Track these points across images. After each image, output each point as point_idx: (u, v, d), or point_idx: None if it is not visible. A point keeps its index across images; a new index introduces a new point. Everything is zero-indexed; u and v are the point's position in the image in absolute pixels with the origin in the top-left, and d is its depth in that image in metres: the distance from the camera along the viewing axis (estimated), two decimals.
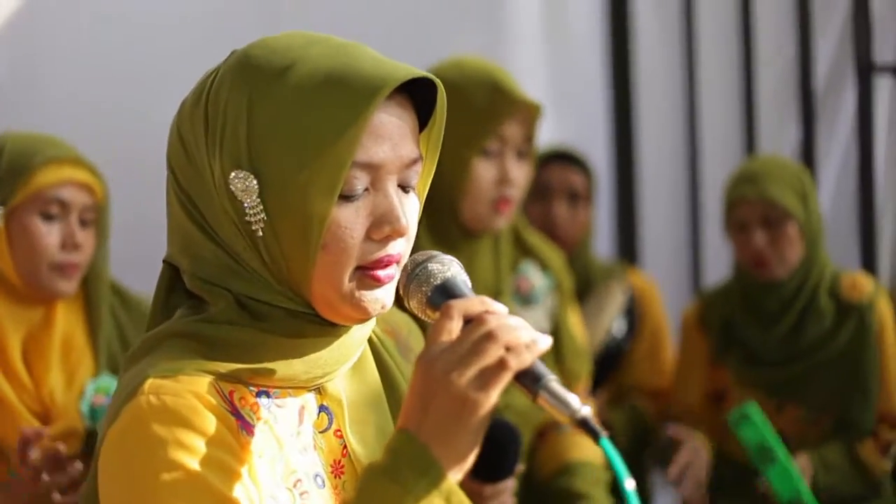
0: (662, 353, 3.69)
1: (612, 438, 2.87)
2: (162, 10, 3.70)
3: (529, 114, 2.71)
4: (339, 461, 1.47)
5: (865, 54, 3.88)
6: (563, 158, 3.66)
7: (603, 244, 4.32)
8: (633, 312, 3.62)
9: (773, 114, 4.23)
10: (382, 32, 3.93)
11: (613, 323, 3.47)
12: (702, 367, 3.40)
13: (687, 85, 4.45)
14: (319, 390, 1.47)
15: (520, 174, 2.72)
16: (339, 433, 1.48)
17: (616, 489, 2.90)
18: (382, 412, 1.53)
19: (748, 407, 2.96)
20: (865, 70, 3.87)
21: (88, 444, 2.42)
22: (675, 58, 4.50)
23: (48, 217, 2.38)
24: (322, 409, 1.47)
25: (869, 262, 3.93)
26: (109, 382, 2.43)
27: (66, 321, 2.45)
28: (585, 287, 3.45)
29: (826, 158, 4.14)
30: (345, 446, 1.48)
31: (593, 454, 2.82)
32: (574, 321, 2.88)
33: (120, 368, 1.50)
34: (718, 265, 4.25)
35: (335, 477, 1.47)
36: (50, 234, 2.38)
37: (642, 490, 3.70)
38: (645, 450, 3.57)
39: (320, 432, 1.47)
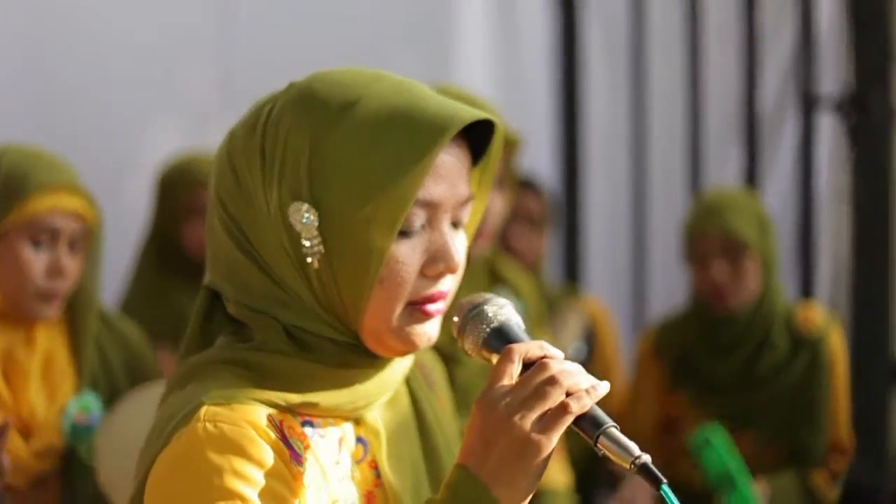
0: (614, 378, 3.73)
1: (570, 463, 2.92)
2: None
3: (508, 146, 2.73)
4: (372, 492, 1.48)
5: (809, 87, 3.98)
6: (522, 184, 3.70)
7: (547, 269, 4.37)
8: (591, 337, 3.67)
9: (718, 143, 4.32)
10: (331, 55, 3.95)
11: (570, 347, 3.52)
12: (656, 395, 3.44)
13: (634, 114, 4.52)
14: (357, 421, 1.49)
15: (497, 204, 2.74)
16: (372, 464, 1.49)
17: None
18: (414, 443, 1.55)
19: (711, 432, 3.00)
20: (808, 102, 3.97)
21: (66, 461, 2.41)
22: (622, 87, 4.57)
23: (37, 243, 2.36)
24: (358, 440, 1.49)
25: (807, 290, 4.03)
26: (91, 401, 2.41)
27: (48, 338, 2.44)
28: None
29: (769, 187, 4.23)
30: (377, 476, 1.49)
31: (559, 481, 2.85)
32: None
33: (163, 393, 1.50)
34: (662, 290, 4.32)
35: None
36: (37, 261, 2.36)
37: None
38: (596, 477, 3.61)
39: (356, 462, 1.48)
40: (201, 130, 3.77)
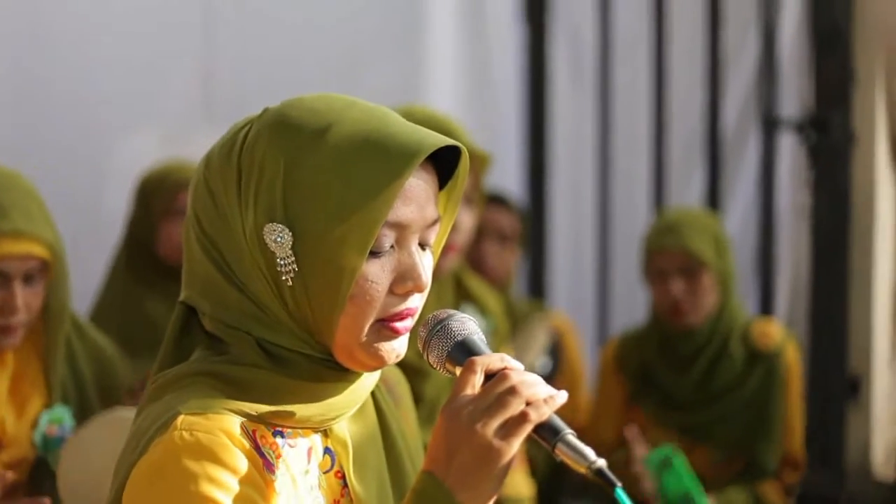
0: (579, 392, 3.80)
1: (532, 474, 2.98)
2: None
3: (477, 163, 2.79)
4: (339, 501, 1.54)
5: (770, 109, 4.05)
6: (495, 201, 3.76)
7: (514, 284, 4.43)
8: (557, 351, 3.74)
9: (682, 163, 4.38)
10: (309, 67, 4.02)
11: (537, 361, 3.59)
12: (617, 408, 3.52)
13: (600, 134, 4.58)
14: (325, 432, 1.54)
15: (466, 220, 2.79)
16: (339, 474, 1.55)
17: None
18: (379, 454, 1.61)
19: (670, 453, 3.07)
20: (770, 124, 4.04)
21: (37, 473, 2.44)
22: (588, 107, 4.63)
23: None
24: (326, 450, 1.55)
25: (767, 306, 4.10)
26: (63, 413, 2.44)
27: (19, 356, 2.46)
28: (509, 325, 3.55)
29: (731, 206, 4.30)
30: (344, 486, 1.55)
31: (521, 490, 2.91)
32: None
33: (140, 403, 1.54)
34: (626, 305, 4.38)
35: None
36: None
37: None
38: (562, 486, 3.67)
39: (323, 473, 1.54)
40: (182, 139, 3.81)
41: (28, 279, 2.41)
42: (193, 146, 3.20)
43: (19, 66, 3.65)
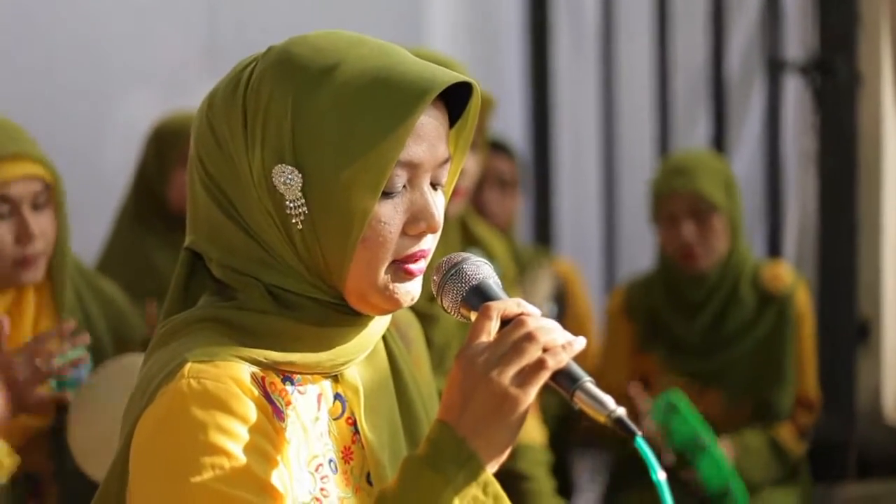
0: (587, 339, 3.79)
1: (544, 422, 2.97)
2: None
3: (482, 106, 2.75)
4: (349, 447, 1.51)
5: (775, 52, 4.02)
6: (494, 147, 3.74)
7: (518, 232, 4.42)
8: (562, 298, 3.72)
9: (687, 107, 4.36)
10: (308, 16, 3.99)
11: (542, 308, 3.57)
12: (627, 354, 3.49)
13: (604, 80, 4.56)
14: (336, 378, 1.52)
15: (471, 165, 2.78)
16: (350, 420, 1.52)
17: (556, 471, 3.00)
18: (390, 399, 1.58)
19: (674, 396, 3.05)
20: (775, 67, 4.01)
21: (59, 419, 2.42)
22: (591, 51, 4.60)
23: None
24: (336, 396, 1.52)
25: (774, 250, 4.09)
26: (75, 353, 2.43)
27: (37, 304, 2.45)
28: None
29: (737, 150, 4.28)
30: (355, 433, 1.52)
31: (534, 436, 2.90)
32: None
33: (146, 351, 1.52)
34: (632, 251, 4.37)
35: (345, 462, 1.51)
36: (4, 232, 2.36)
37: (565, 468, 3.80)
38: (571, 432, 3.67)
39: (334, 419, 1.51)
40: (184, 94, 3.79)
41: (36, 206, 2.40)
42: (195, 101, 3.18)
43: (21, 21, 3.62)
